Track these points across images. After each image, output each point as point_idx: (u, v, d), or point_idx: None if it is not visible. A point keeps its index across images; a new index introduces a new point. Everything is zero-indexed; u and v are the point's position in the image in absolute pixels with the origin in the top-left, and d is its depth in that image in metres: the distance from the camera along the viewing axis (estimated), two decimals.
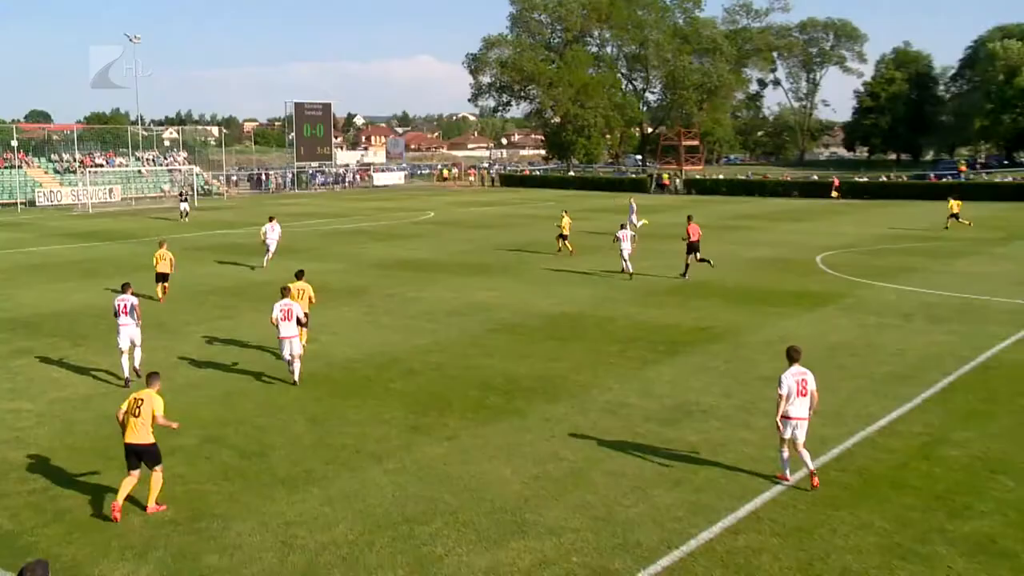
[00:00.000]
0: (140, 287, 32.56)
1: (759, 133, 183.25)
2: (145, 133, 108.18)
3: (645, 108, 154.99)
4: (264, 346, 26.18)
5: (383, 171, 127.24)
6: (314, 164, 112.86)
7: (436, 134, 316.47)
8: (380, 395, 21.99)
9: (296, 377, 22.96)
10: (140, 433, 16.01)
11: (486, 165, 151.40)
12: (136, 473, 16.08)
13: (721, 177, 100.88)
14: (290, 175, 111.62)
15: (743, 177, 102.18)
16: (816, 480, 16.60)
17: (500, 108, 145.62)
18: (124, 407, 16.23)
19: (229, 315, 30.96)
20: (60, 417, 20.74)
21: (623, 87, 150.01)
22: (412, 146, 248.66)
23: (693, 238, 37.58)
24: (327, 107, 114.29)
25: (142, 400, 16.11)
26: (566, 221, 46.36)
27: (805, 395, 16.30)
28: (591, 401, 21.32)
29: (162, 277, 34.32)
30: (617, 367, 24.00)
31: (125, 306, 23.50)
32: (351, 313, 30.99)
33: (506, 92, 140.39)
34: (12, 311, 32.19)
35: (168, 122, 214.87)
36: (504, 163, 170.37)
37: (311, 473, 17.54)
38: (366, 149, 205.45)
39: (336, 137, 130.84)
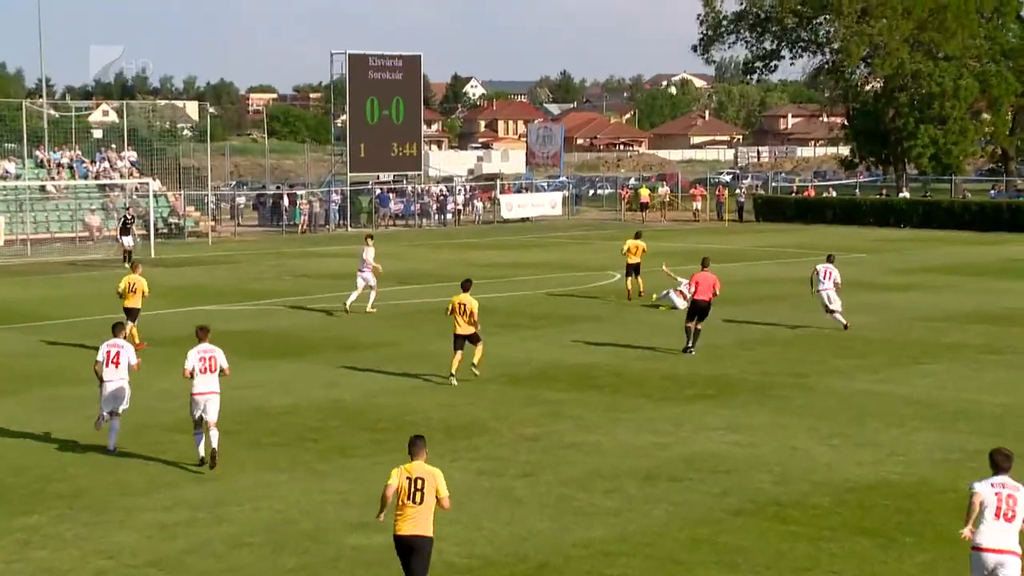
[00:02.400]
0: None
1: None
2: (55, 115, 69.70)
3: None
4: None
5: (521, 190, 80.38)
6: (385, 176, 71.33)
7: (628, 117, 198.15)
8: None
9: (214, 447, 17.83)
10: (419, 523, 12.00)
11: (726, 179, 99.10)
12: None
13: None
14: (336, 198, 68.36)
15: None
16: None
17: (758, 64, 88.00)
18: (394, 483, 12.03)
19: None
20: None
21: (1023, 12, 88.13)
22: (579, 139, 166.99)
23: (700, 295, 27.68)
24: (412, 63, 71.43)
25: (423, 480, 12.02)
26: (633, 244, 36.45)
27: (1012, 520, 11.28)
28: None
29: (131, 314, 28.19)
30: None
31: (115, 354, 18.89)
32: (457, 472, 17.32)
33: (769, 30, 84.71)
34: None
35: (100, 94, 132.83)
36: (764, 174, 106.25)
37: None
38: (487, 146, 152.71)
39: (430, 124, 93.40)
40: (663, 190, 79.79)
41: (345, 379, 24.87)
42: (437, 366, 25.86)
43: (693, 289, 28.14)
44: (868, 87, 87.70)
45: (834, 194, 77.61)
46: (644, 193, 77.07)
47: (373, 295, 34.54)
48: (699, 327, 27.58)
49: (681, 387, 23.79)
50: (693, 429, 20.30)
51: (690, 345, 27.39)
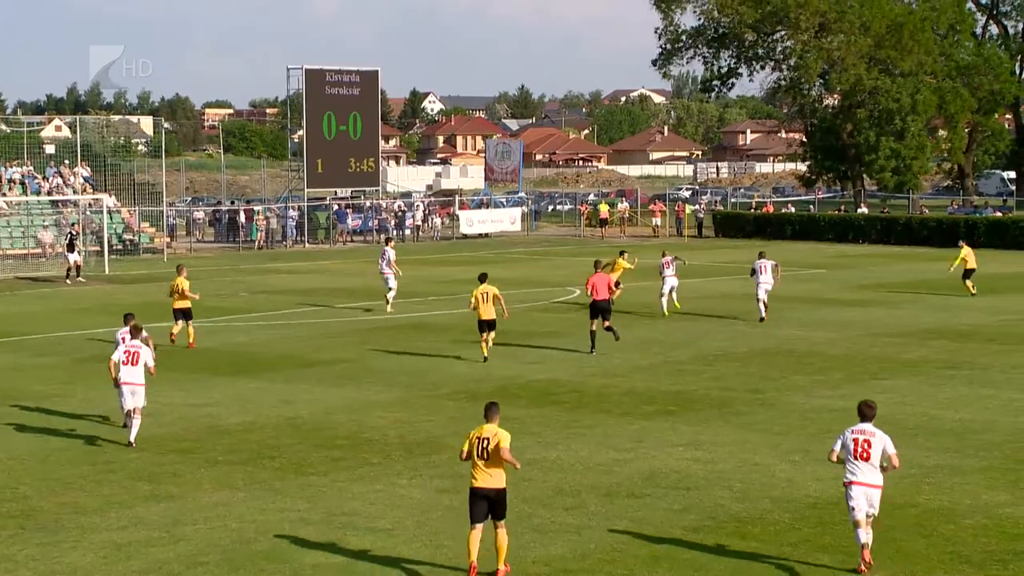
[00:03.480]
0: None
1: None
2: (6, 130, 73.70)
3: None
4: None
5: (480, 206, 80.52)
6: (342, 191, 71.76)
7: (586, 132, 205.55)
8: None
9: (132, 436, 20.06)
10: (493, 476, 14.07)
11: (685, 194, 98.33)
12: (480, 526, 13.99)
13: None
14: (293, 214, 68.54)
15: None
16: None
17: (715, 82, 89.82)
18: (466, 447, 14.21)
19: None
20: None
21: (977, 29, 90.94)
22: (538, 155, 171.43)
23: (597, 295, 29.54)
24: (370, 78, 71.81)
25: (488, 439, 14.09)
26: (623, 263, 37.42)
27: (868, 459, 14.31)
28: None
29: (183, 314, 30.68)
30: None
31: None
32: (416, 490, 19.25)
33: (727, 46, 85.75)
34: None
35: (52, 108, 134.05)
36: (723, 189, 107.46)
37: None
38: (445, 162, 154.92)
39: (388, 139, 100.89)
40: (622, 206, 79.95)
41: (302, 396, 24.75)
42: (393, 383, 25.82)
43: (591, 292, 29.64)
44: (826, 103, 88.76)
45: (793, 210, 77.89)
46: (603, 209, 77.45)
47: (392, 295, 37.83)
48: (606, 326, 29.46)
49: (641, 403, 23.83)
50: (654, 445, 20.31)
51: (592, 347, 29.47)
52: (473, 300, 28.77)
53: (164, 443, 20.54)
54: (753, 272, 35.34)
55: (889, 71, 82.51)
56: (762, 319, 34.41)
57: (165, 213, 65.58)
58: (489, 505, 13.93)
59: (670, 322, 35.05)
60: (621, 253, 38.76)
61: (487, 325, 28.76)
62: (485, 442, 13.97)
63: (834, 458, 14.52)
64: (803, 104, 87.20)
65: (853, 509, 14.16)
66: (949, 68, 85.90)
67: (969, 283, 41.40)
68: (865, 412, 14.62)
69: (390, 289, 37.92)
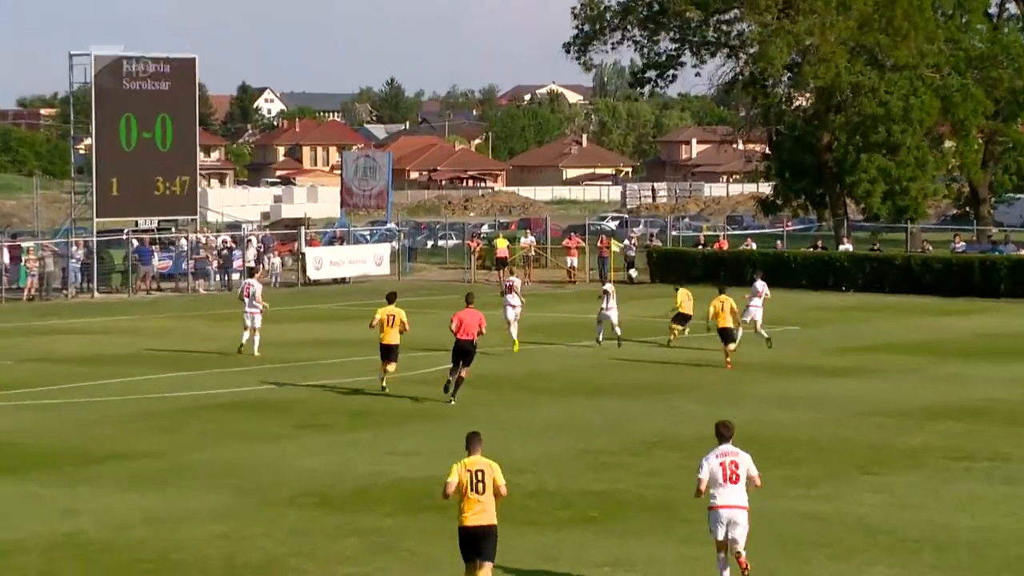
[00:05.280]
0: None
1: None
2: None
3: None
4: None
5: (335, 241, 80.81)
6: (146, 222, 71.92)
7: (478, 142, 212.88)
8: None
9: None
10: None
11: (611, 225, 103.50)
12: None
13: None
14: (78, 252, 68.26)
15: None
16: None
17: (651, 72, 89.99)
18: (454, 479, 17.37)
19: None
20: None
21: (992, 9, 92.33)
22: (413, 172, 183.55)
23: (463, 334, 34.06)
24: (184, 68, 72.38)
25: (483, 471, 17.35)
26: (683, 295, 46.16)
27: (737, 481, 18.27)
28: None
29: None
30: None
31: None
32: None
33: (666, 27, 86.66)
34: None
35: None
36: (661, 219, 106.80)
37: None
38: (287, 182, 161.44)
39: (209, 151, 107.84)
40: (527, 241, 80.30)
41: (87, 504, 24.44)
42: (215, 484, 25.58)
43: (456, 326, 34.03)
44: (796, 104, 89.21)
45: (754, 246, 78.14)
46: (501, 245, 77.02)
47: (258, 338, 43.39)
48: (463, 374, 33.94)
49: (553, 507, 23.88)
50: (570, 564, 20.40)
51: (452, 395, 33.92)
52: (377, 318, 35.05)
53: None
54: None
55: (879, 63, 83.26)
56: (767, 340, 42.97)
57: None
58: (477, 543, 17.11)
59: (589, 397, 35.14)
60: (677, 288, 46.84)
61: (390, 351, 34.95)
62: (479, 475, 17.09)
63: (703, 489, 18.26)
64: (766, 105, 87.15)
65: (717, 531, 18.29)
66: (957, 59, 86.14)
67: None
68: (723, 432, 18.57)
69: (255, 330, 43.39)
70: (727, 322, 40.39)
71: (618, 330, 45.14)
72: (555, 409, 33.45)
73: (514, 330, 44.78)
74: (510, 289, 46.71)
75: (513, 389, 36.45)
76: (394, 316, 34.81)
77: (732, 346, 40.72)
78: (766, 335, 44.23)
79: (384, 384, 35.09)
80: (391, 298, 35.67)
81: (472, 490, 17.09)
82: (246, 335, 43.56)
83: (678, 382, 37.35)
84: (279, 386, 37.72)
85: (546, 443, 29.28)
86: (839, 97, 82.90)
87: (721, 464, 18.24)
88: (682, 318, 46.19)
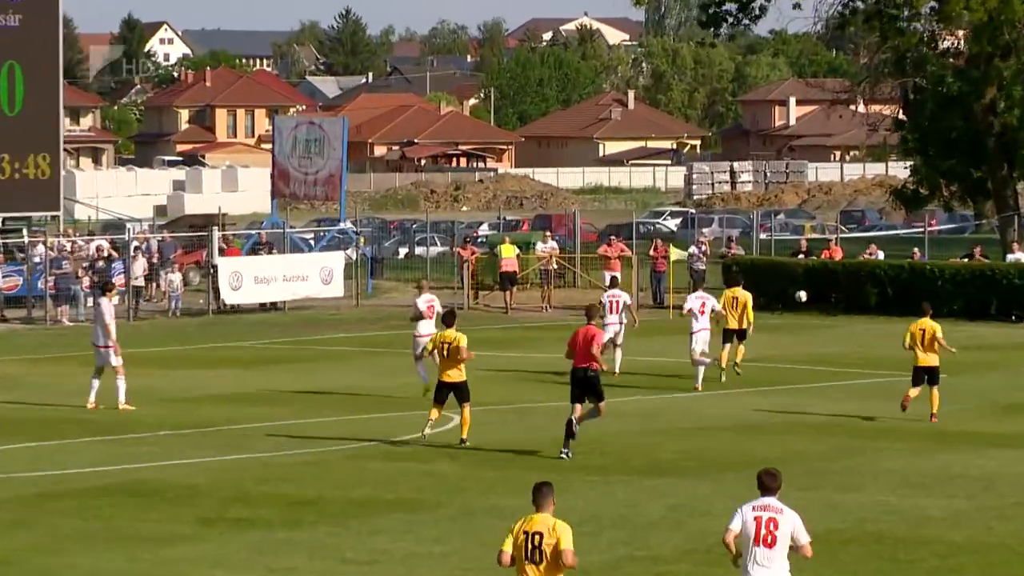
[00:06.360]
0: None
1: None
2: None
3: None
4: None
5: (260, 247, 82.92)
6: None
7: (474, 101, 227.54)
8: None
9: None
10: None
11: (671, 225, 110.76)
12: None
13: None
14: None
15: None
16: None
17: (724, 6, 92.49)
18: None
19: None
20: None
21: None
22: (378, 146, 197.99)
23: (580, 360, 36.97)
24: None
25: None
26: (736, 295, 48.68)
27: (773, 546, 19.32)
28: None
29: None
30: None
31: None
32: None
33: None
34: None
35: None
36: (743, 216, 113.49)
37: None
38: (193, 160, 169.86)
39: (78, 115, 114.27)
40: (545, 247, 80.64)
41: None
42: None
43: (574, 350, 36.96)
44: (943, 48, 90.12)
45: (882, 256, 78.50)
46: (508, 254, 77.20)
47: (122, 382, 43.74)
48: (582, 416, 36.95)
49: None
50: None
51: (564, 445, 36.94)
52: (430, 346, 39.21)
53: None
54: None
55: None
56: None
57: None
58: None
59: (642, 476, 35.18)
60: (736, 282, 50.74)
61: (450, 389, 37.83)
62: (537, 539, 18.18)
63: (730, 542, 19.36)
64: (899, 48, 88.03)
65: None
66: None
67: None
68: (766, 483, 19.56)
69: (116, 371, 43.49)
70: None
71: (707, 359, 47.81)
72: (593, 493, 33.48)
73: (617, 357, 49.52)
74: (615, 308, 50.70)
75: (529, 464, 36.37)
76: (447, 344, 37.49)
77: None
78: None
79: (426, 431, 38.04)
80: (449, 321, 38.67)
81: (528, 559, 18.14)
82: (96, 383, 44.37)
83: (765, 454, 37.14)
84: (178, 463, 37.68)
85: (578, 543, 29.20)
86: (1007, 35, 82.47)
87: (756, 520, 19.34)
88: (736, 334, 48.05)
